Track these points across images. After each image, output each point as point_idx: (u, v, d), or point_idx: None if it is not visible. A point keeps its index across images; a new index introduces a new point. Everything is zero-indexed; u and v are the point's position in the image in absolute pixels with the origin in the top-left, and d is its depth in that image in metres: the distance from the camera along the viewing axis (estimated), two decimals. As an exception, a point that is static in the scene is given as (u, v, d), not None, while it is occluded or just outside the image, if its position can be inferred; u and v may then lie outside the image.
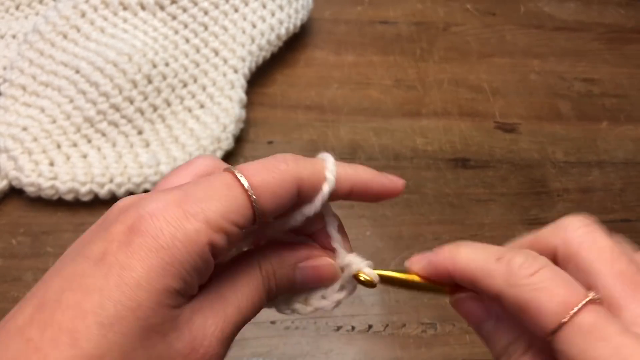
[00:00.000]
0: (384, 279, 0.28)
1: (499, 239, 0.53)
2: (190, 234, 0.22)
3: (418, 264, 0.28)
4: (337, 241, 0.28)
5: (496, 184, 0.57)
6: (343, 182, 0.27)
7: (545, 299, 0.22)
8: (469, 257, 0.26)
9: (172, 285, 0.22)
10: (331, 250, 0.28)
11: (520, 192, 0.57)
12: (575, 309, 0.22)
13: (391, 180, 0.28)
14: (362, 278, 0.28)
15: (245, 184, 0.24)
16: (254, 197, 0.24)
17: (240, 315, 0.25)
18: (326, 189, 0.26)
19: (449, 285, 0.27)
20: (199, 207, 0.23)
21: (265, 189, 0.24)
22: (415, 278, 0.28)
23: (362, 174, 0.28)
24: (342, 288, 0.29)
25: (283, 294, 0.28)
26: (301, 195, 0.26)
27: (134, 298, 0.21)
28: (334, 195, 0.27)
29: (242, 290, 0.25)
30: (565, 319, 0.21)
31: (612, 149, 0.61)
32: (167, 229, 0.22)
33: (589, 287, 0.23)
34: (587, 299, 0.22)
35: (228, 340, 0.24)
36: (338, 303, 0.29)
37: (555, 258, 0.25)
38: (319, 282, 0.28)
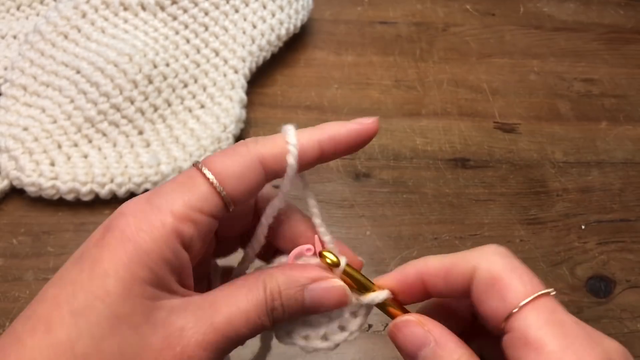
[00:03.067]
0: (347, 273, 0.28)
1: (498, 238, 0.53)
2: (155, 224, 0.24)
3: (389, 276, 0.28)
4: (321, 227, 0.28)
5: (496, 184, 0.57)
6: (309, 145, 0.26)
7: (517, 278, 0.24)
8: (439, 257, 0.27)
9: (139, 274, 0.23)
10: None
11: (519, 192, 0.57)
12: (541, 292, 0.24)
13: (361, 123, 0.28)
14: (328, 260, 0.27)
15: (208, 174, 0.25)
16: (216, 182, 0.25)
17: (231, 328, 0.24)
18: (291, 159, 0.26)
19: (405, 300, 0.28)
20: (163, 199, 0.24)
21: (228, 173, 0.25)
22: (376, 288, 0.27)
23: (327, 130, 0.27)
24: (354, 315, 0.28)
25: (295, 323, 0.28)
26: (269, 172, 0.26)
27: (103, 287, 0.22)
28: (305, 162, 0.26)
29: (238, 303, 0.25)
30: (534, 296, 0.24)
31: (611, 149, 0.61)
32: (133, 222, 0.24)
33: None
34: (550, 290, 0.24)
35: (215, 348, 0.24)
36: (357, 332, 0.28)
37: (472, 280, 0.26)
38: (328, 305, 0.27)
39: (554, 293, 0.24)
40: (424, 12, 0.72)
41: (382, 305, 0.28)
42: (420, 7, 0.73)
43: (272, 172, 0.26)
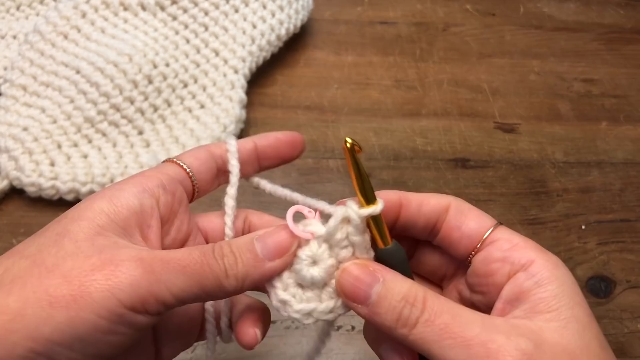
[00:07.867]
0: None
1: (498, 239, 0.53)
2: (125, 187, 0.29)
3: (377, 193, 0.30)
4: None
5: (496, 184, 0.57)
6: (245, 141, 0.34)
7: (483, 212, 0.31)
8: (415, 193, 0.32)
9: (103, 208, 0.27)
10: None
11: (519, 192, 0.57)
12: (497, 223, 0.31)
13: (284, 133, 0.35)
14: (353, 145, 0.28)
15: (179, 162, 0.32)
16: (178, 161, 0.32)
17: (172, 257, 0.26)
18: (232, 146, 0.33)
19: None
20: (135, 178, 0.30)
21: (186, 155, 0.33)
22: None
23: (261, 135, 0.34)
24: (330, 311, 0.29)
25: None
26: (217, 160, 0.33)
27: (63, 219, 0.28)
28: (243, 149, 0.33)
29: (184, 247, 0.29)
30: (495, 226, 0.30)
31: (611, 149, 0.61)
32: (108, 191, 0.29)
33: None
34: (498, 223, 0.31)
35: (152, 270, 0.25)
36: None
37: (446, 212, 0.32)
38: (279, 250, 0.28)
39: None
40: (424, 12, 0.72)
41: (374, 220, 0.28)
42: (420, 7, 0.73)
43: (220, 160, 0.33)
